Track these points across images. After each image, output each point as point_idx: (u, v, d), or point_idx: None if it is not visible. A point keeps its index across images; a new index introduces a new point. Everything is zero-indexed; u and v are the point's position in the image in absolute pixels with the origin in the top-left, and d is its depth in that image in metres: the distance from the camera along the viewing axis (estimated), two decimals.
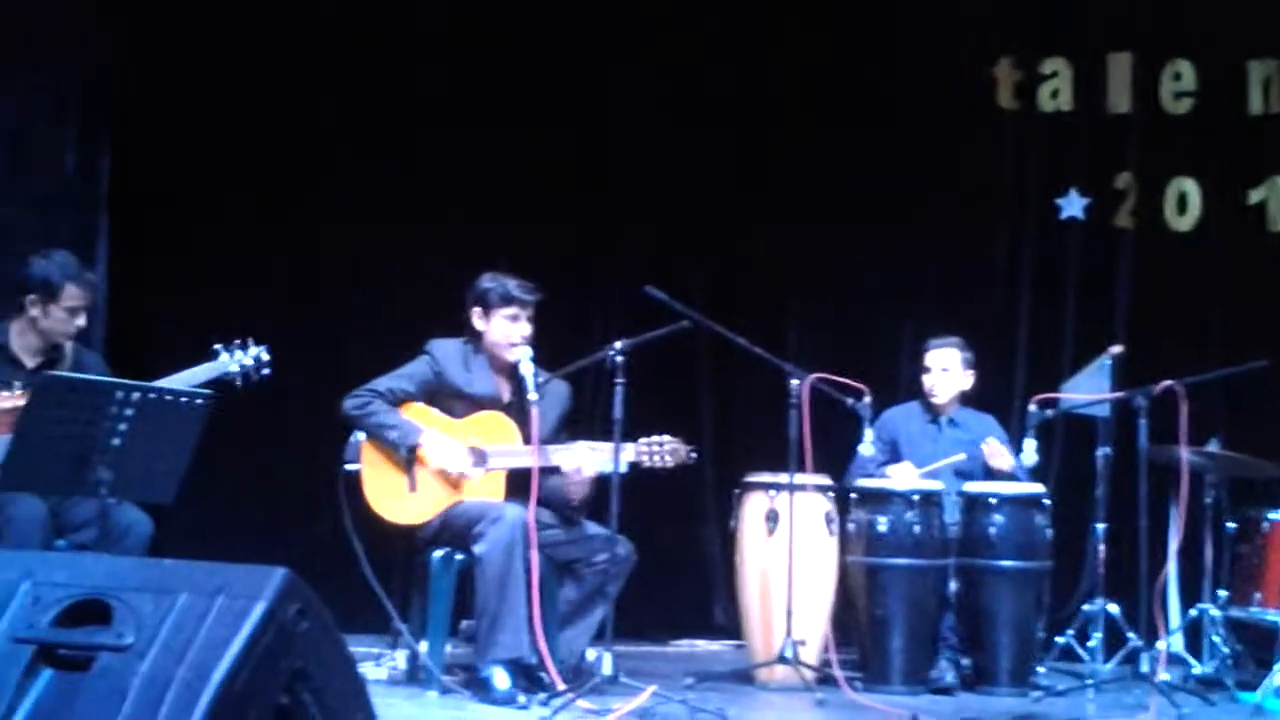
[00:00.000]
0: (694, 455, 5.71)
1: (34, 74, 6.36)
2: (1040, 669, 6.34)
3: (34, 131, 6.37)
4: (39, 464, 4.34)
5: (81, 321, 5.21)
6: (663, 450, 5.59)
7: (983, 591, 6.19)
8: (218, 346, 5.32)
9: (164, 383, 4.95)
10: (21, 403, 4.63)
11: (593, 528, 5.66)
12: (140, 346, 6.17)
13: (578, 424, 6.14)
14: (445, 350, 5.68)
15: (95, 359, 5.45)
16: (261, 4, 7.06)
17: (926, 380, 6.62)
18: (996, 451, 6.38)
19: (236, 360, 5.33)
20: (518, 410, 5.61)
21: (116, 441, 4.36)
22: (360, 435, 5.57)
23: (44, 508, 4.84)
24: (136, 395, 4.38)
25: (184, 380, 5.12)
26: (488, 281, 5.71)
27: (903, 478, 6.35)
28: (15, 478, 4.44)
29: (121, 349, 5.97)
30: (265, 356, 5.39)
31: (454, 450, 5.52)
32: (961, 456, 6.43)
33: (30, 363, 5.19)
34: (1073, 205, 7.75)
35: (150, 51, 6.79)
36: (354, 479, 5.54)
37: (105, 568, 3.36)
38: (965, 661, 6.23)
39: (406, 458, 5.49)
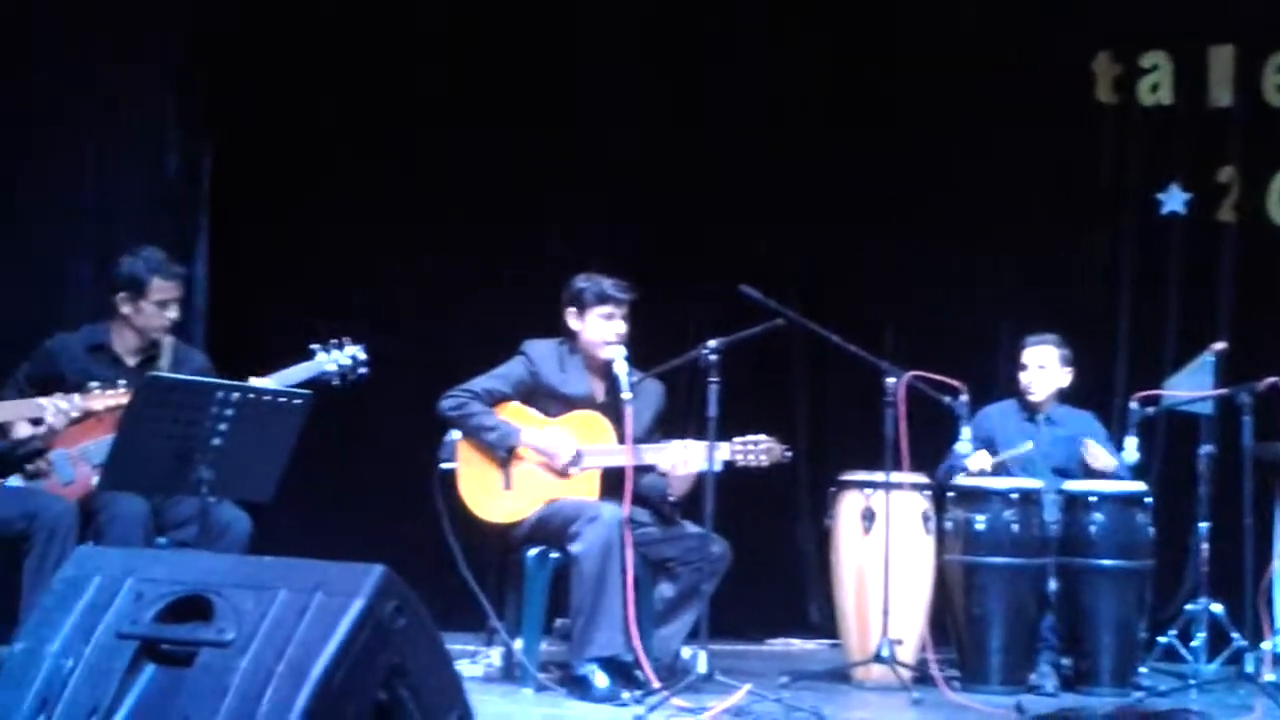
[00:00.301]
0: (789, 455, 5.69)
1: (136, 74, 6.44)
2: (1142, 669, 6.24)
3: (136, 132, 6.46)
4: (141, 463, 4.40)
5: (173, 314, 5.25)
6: (758, 450, 5.57)
7: (1083, 591, 6.11)
8: (315, 346, 5.36)
9: (262, 382, 5.00)
10: (124, 401, 4.71)
11: (688, 526, 5.66)
12: (240, 345, 6.23)
13: (672, 423, 6.14)
14: (540, 351, 5.70)
15: (196, 355, 5.50)
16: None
17: (1023, 377, 6.55)
18: (1096, 453, 6.29)
19: (333, 360, 5.36)
20: (612, 410, 5.62)
21: (217, 441, 4.41)
22: (456, 434, 5.61)
23: (146, 506, 4.91)
24: (236, 395, 4.43)
25: (282, 380, 5.17)
26: (583, 281, 5.72)
27: (977, 465, 6.26)
28: (118, 476, 4.51)
29: (222, 348, 6.03)
30: (362, 356, 5.42)
31: (557, 439, 5.52)
32: (1028, 446, 6.33)
33: (131, 361, 5.26)
34: (1174, 200, 7.64)
35: (251, 50, 6.86)
36: (450, 477, 5.58)
37: (206, 564, 3.41)
38: (1065, 662, 6.16)
39: (504, 458, 5.52)
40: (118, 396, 4.78)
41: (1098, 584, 6.10)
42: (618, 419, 5.55)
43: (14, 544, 4.73)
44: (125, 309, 5.22)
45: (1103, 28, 7.69)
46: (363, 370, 5.41)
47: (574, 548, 5.36)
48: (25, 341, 5.37)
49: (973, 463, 6.27)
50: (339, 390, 5.36)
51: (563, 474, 5.55)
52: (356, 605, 3.12)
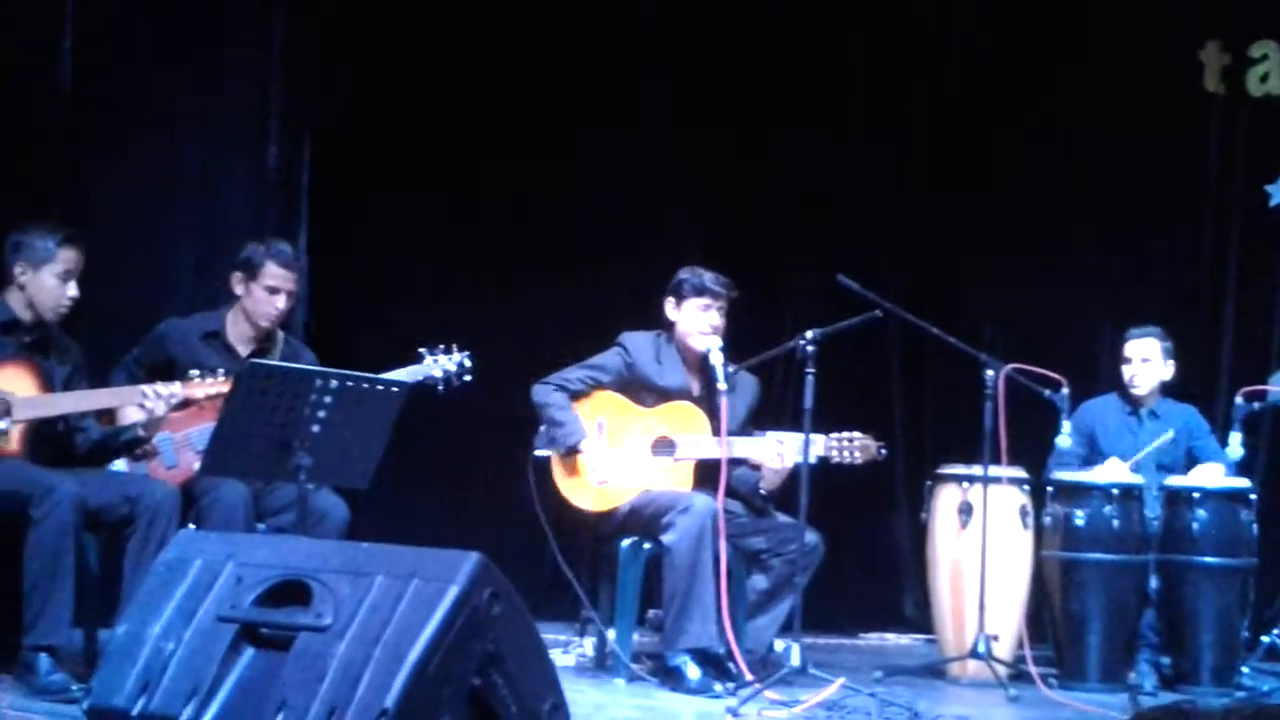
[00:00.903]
0: (884, 452, 5.66)
1: (236, 65, 6.52)
2: (1244, 669, 6.13)
3: (237, 125, 6.53)
4: (242, 449, 4.45)
5: (282, 304, 5.29)
6: (853, 446, 5.55)
7: (1184, 588, 6.02)
8: (422, 350, 5.39)
9: None
10: (223, 389, 4.76)
11: (782, 518, 5.64)
12: (341, 340, 6.29)
13: (767, 414, 6.12)
14: (637, 343, 5.71)
15: (306, 352, 5.52)
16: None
17: (1126, 371, 6.46)
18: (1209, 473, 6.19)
19: (440, 365, 5.38)
20: (707, 403, 5.62)
21: (316, 428, 4.44)
22: None
23: (246, 492, 4.95)
24: (335, 383, 4.46)
25: None
26: (684, 273, 5.74)
27: (1111, 476, 6.17)
28: (219, 462, 4.55)
29: (323, 344, 6.09)
30: (468, 364, 5.41)
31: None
32: (1169, 435, 6.25)
33: (243, 350, 5.31)
34: None
35: (351, 41, 6.91)
36: (544, 465, 5.59)
37: (305, 549, 3.45)
38: (1165, 660, 6.07)
39: (565, 456, 5.53)
40: (218, 385, 4.84)
41: (1199, 582, 6.00)
42: (712, 411, 5.55)
43: (117, 528, 4.79)
44: (238, 289, 5.29)
45: (1211, 17, 7.57)
46: (467, 378, 5.42)
47: (667, 538, 5.37)
48: (132, 329, 5.44)
49: (1106, 473, 6.16)
50: (442, 395, 5.38)
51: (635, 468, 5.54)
52: (452, 592, 3.15)
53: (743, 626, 5.48)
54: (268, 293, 5.27)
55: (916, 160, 7.74)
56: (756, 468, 5.59)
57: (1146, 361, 6.43)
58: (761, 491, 5.62)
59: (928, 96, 7.73)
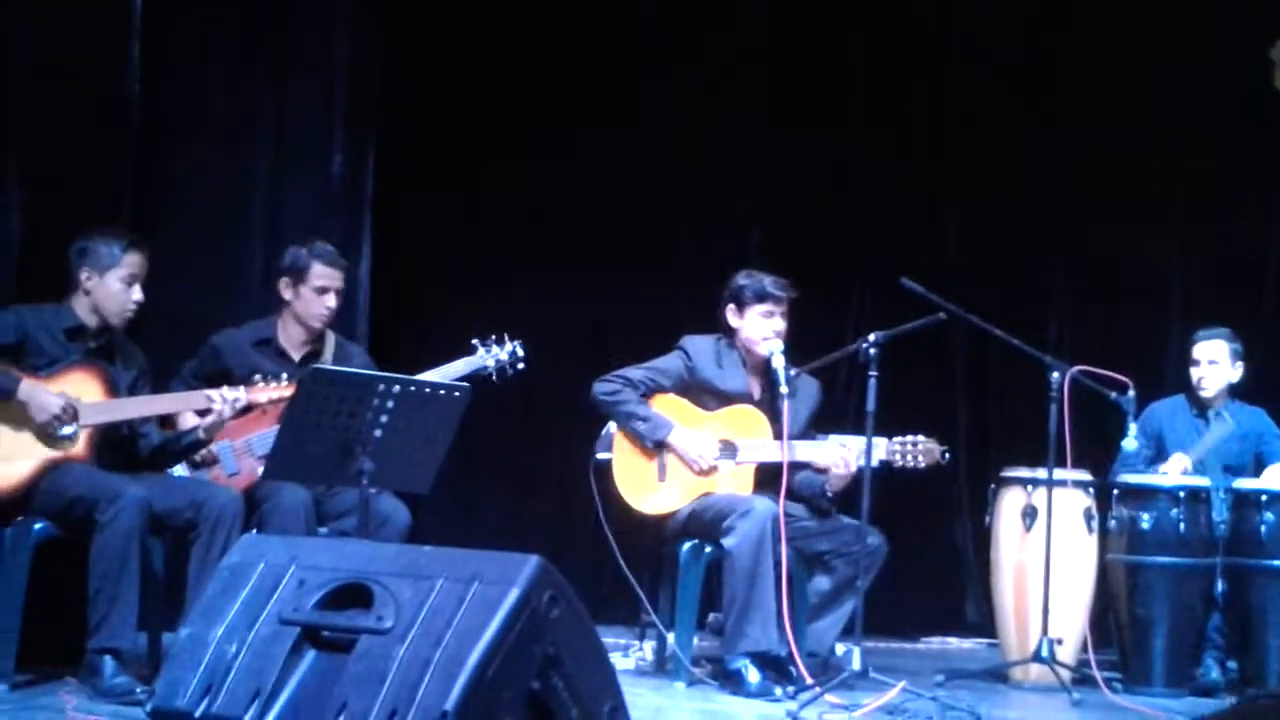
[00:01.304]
0: (947, 456, 5.63)
1: (302, 73, 6.57)
2: None
3: (302, 132, 6.58)
4: (304, 454, 4.47)
5: (332, 302, 5.33)
6: (916, 450, 5.53)
7: (1251, 592, 5.95)
8: (475, 342, 5.43)
9: (422, 377, 5.08)
10: (288, 393, 4.80)
11: (844, 519, 5.63)
12: (401, 343, 6.33)
13: (830, 417, 6.10)
14: (698, 347, 5.71)
15: (358, 351, 5.59)
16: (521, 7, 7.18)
17: (1194, 373, 6.39)
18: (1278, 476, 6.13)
19: (493, 355, 5.43)
20: (768, 406, 5.61)
21: (378, 433, 4.46)
22: (613, 425, 5.64)
23: (308, 496, 4.99)
24: (397, 388, 4.48)
25: (442, 375, 5.24)
26: (743, 278, 5.72)
27: (1176, 470, 6.12)
28: (281, 467, 4.58)
29: (383, 346, 6.13)
30: (520, 352, 5.48)
31: (704, 445, 5.54)
32: (1230, 426, 6.18)
33: (296, 354, 5.36)
34: None
35: (411, 48, 6.96)
36: (605, 468, 5.60)
37: (366, 553, 3.46)
38: (1231, 664, 6.00)
39: (655, 449, 5.54)
40: (281, 389, 4.88)
41: (1266, 585, 5.93)
42: (774, 415, 5.54)
43: (181, 533, 4.84)
44: (287, 294, 5.33)
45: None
46: (520, 366, 5.47)
47: (727, 542, 5.36)
48: (198, 335, 5.49)
49: (1171, 469, 6.12)
50: (496, 385, 5.42)
51: (702, 475, 5.55)
52: (513, 595, 3.15)
53: (803, 630, 5.47)
54: (317, 293, 5.31)
55: (982, 161, 7.70)
56: (821, 471, 5.58)
57: (1214, 364, 6.37)
58: (828, 494, 5.60)
59: (997, 98, 7.67)
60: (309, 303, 5.31)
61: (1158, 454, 6.35)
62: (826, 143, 7.55)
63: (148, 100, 6.06)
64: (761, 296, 5.65)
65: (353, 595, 3.27)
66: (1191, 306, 7.42)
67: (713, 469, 5.54)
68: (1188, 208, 7.60)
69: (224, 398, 4.86)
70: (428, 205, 7.06)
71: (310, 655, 3.25)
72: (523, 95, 7.14)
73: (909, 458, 5.54)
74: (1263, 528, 5.93)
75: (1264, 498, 5.96)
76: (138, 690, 4.56)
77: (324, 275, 5.32)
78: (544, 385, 5.65)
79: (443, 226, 7.10)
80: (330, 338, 5.45)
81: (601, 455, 5.65)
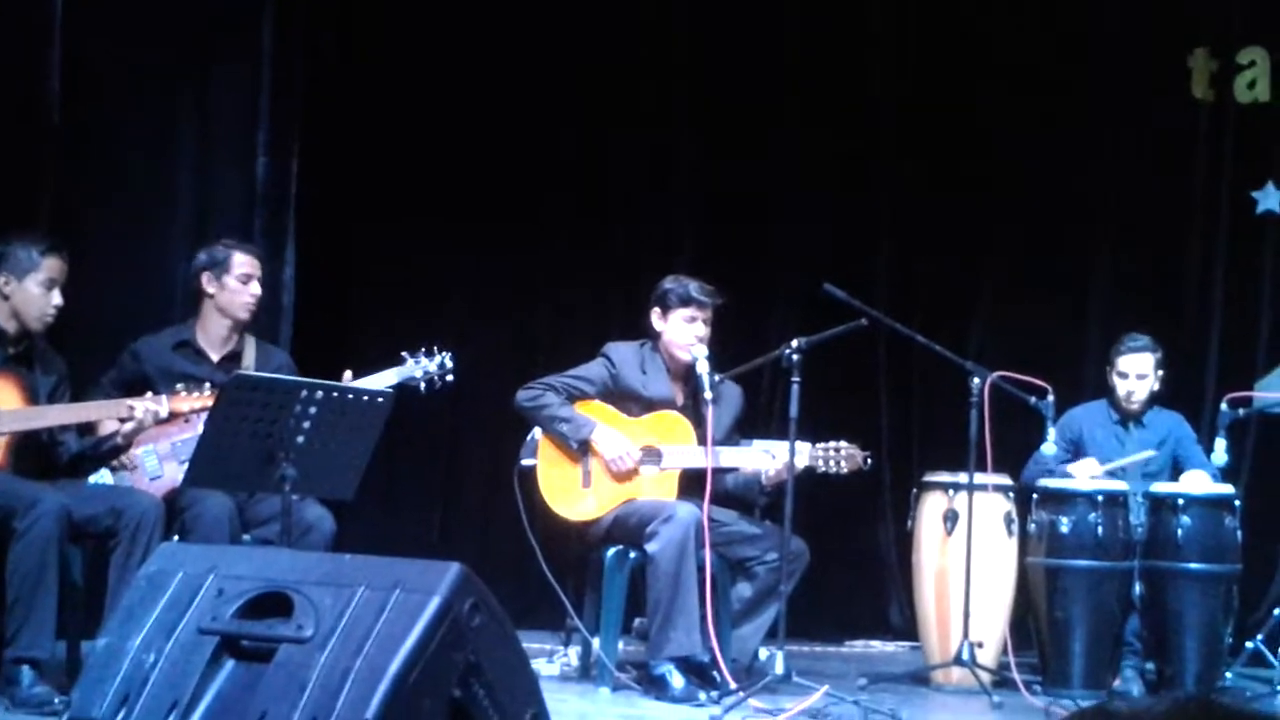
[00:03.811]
0: (869, 462, 5.68)
1: (225, 74, 6.53)
2: (1228, 675, 6.16)
3: (226, 134, 6.54)
4: (226, 460, 4.44)
5: (256, 290, 5.32)
6: (838, 456, 5.57)
7: (1168, 595, 6.04)
8: (404, 354, 5.41)
9: (358, 383, 5.08)
10: (209, 403, 4.77)
11: (767, 525, 5.66)
12: (324, 346, 6.30)
13: (753, 422, 6.13)
14: (622, 354, 5.72)
15: (278, 353, 5.56)
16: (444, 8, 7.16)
17: (1122, 386, 6.42)
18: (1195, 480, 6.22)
19: (421, 367, 5.41)
20: (692, 412, 5.64)
21: (301, 439, 4.44)
22: (537, 432, 5.64)
23: (231, 504, 4.96)
24: (320, 394, 4.46)
25: (369, 384, 5.22)
26: (669, 283, 5.74)
27: (1085, 473, 6.22)
28: (202, 473, 4.55)
29: (307, 349, 6.10)
30: (449, 364, 5.45)
31: (626, 445, 5.55)
32: (1150, 454, 6.27)
33: (215, 355, 5.32)
34: (1269, 198, 7.54)
35: (337, 48, 6.92)
36: (530, 475, 5.61)
37: (286, 562, 3.45)
38: (1150, 666, 6.09)
39: (579, 451, 5.55)
40: (203, 399, 4.85)
41: (1184, 588, 6.02)
42: (698, 421, 5.57)
43: (101, 540, 4.80)
44: (210, 288, 5.29)
45: (1199, 23, 7.59)
46: (449, 378, 5.46)
47: (650, 547, 5.38)
48: (120, 341, 5.44)
49: (1080, 470, 6.20)
50: (424, 396, 5.41)
51: (622, 479, 5.56)
52: (434, 603, 3.15)
53: (727, 635, 5.49)
54: (241, 281, 5.29)
55: (902, 166, 7.75)
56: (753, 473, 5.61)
57: (1142, 378, 6.41)
58: (765, 489, 5.61)
59: (912, 101, 7.73)
60: (234, 293, 5.28)
61: (1075, 458, 6.42)
62: (753, 147, 7.57)
63: (67, 101, 6.00)
64: (685, 301, 5.67)
65: (272, 604, 3.25)
66: (1112, 310, 7.51)
67: (634, 470, 5.56)
68: (1106, 212, 7.68)
69: (145, 408, 4.82)
70: (353, 209, 7.02)
71: (229, 665, 3.23)
72: (452, 98, 7.12)
73: (832, 463, 5.58)
74: (1179, 531, 6.02)
75: (1181, 501, 6.04)
76: (56, 700, 4.52)
77: (246, 263, 5.31)
78: (469, 391, 5.64)
79: (368, 231, 7.07)
80: (250, 341, 5.42)
81: (526, 462, 5.66)
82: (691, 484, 5.53)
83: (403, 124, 7.06)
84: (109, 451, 4.97)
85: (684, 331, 5.65)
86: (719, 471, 5.52)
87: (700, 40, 7.52)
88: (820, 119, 7.64)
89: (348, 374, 5.20)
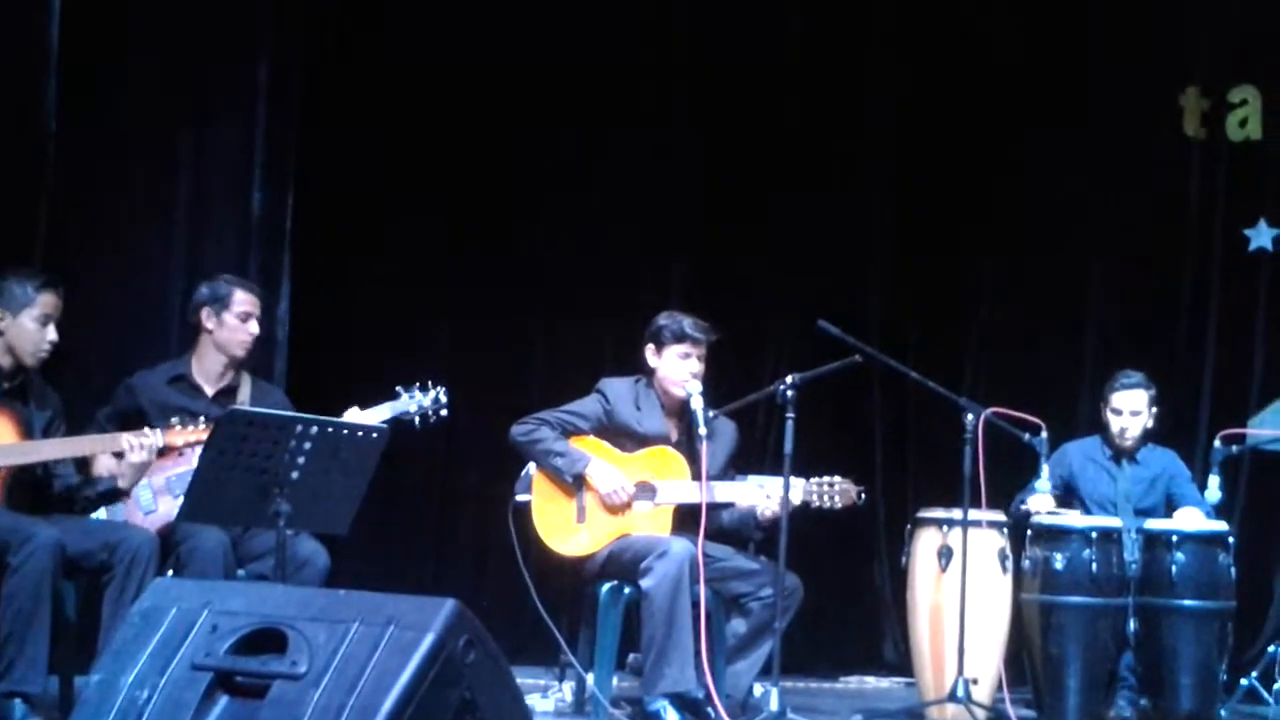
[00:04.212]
0: (864, 497, 5.68)
1: (221, 109, 6.55)
2: (1223, 712, 6.14)
3: (222, 169, 6.56)
4: (220, 496, 4.43)
5: (254, 329, 5.33)
6: (832, 491, 5.57)
7: (1163, 631, 6.03)
8: (399, 388, 5.42)
9: (354, 417, 5.08)
10: (204, 437, 4.77)
11: (761, 561, 5.66)
12: (319, 381, 6.31)
13: (749, 457, 6.13)
14: (616, 389, 5.73)
15: (274, 390, 5.58)
16: (439, 42, 7.19)
17: (1116, 422, 6.45)
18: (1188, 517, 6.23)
19: (416, 401, 5.41)
20: (686, 448, 5.64)
21: (295, 474, 4.43)
22: (531, 467, 5.64)
23: (225, 539, 4.96)
24: (315, 429, 4.45)
25: (364, 418, 5.22)
26: (664, 319, 5.75)
27: (1041, 505, 6.20)
28: (197, 508, 4.54)
29: (301, 384, 6.11)
30: (444, 399, 5.44)
31: (620, 480, 5.56)
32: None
33: (210, 389, 5.33)
34: (1262, 236, 7.58)
35: (332, 85, 6.95)
36: (524, 510, 5.60)
37: (281, 597, 3.44)
38: (1144, 703, 6.08)
39: (574, 485, 5.55)
40: (198, 433, 4.85)
41: (1178, 625, 6.02)
42: (692, 456, 5.57)
43: (96, 575, 4.80)
44: (209, 324, 5.30)
45: (1191, 62, 7.63)
46: (443, 413, 5.45)
47: (645, 582, 5.37)
48: (116, 376, 5.44)
49: (1036, 504, 6.21)
50: (418, 431, 5.41)
51: (616, 513, 5.56)
52: (428, 640, 3.15)
53: (721, 671, 5.48)
54: (240, 320, 5.30)
55: (897, 205, 7.78)
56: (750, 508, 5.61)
57: (1136, 414, 6.43)
58: (761, 523, 5.62)
59: (905, 139, 7.77)
60: (233, 330, 5.30)
61: (1067, 493, 6.43)
62: (750, 186, 7.59)
63: (64, 136, 6.02)
64: (680, 337, 5.68)
65: (267, 640, 3.25)
66: (1106, 347, 7.53)
67: (628, 504, 5.56)
68: (1100, 249, 7.71)
69: (141, 443, 4.82)
70: (348, 244, 7.04)
71: (223, 701, 3.22)
72: (448, 133, 7.15)
73: (826, 498, 5.58)
74: (1173, 568, 6.01)
75: (1174, 538, 6.04)
76: None
77: (246, 301, 5.33)
78: (464, 426, 5.64)
79: (363, 266, 7.08)
80: (247, 378, 5.42)
81: (520, 497, 5.65)
82: (686, 520, 5.52)
83: (398, 158, 7.08)
84: (105, 494, 4.97)
85: (679, 367, 5.66)
86: (714, 507, 5.52)
87: (696, 74, 7.54)
88: (813, 160, 7.63)
89: (353, 410, 5.21)
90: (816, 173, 7.66)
